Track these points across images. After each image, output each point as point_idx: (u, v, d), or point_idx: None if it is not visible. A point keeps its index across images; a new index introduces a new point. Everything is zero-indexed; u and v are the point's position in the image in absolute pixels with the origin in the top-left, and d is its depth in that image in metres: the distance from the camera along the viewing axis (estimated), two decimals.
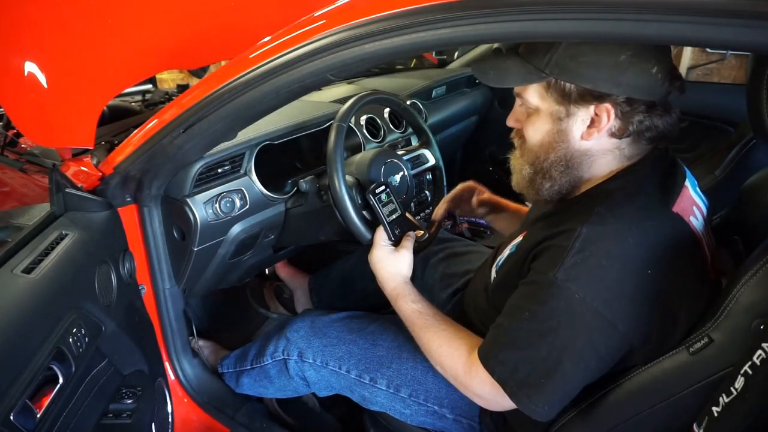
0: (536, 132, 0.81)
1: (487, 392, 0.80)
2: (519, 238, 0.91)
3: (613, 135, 0.77)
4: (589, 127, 0.77)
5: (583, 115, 0.76)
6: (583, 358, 0.73)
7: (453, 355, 0.86)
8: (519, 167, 0.88)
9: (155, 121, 0.96)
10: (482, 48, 2.22)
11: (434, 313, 0.93)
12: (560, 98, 0.76)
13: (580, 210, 0.77)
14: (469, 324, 0.93)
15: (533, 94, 0.79)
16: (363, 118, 1.51)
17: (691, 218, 0.78)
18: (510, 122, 0.87)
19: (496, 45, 0.87)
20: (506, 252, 0.94)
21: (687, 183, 0.82)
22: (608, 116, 0.75)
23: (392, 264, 0.99)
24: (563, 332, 0.72)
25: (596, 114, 0.76)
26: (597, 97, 0.74)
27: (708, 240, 0.81)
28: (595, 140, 0.78)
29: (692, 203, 0.80)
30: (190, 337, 1.35)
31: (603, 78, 0.72)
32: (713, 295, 0.74)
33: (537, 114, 0.80)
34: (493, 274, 0.96)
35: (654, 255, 0.71)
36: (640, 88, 0.73)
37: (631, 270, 0.71)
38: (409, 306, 0.94)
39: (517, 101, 0.84)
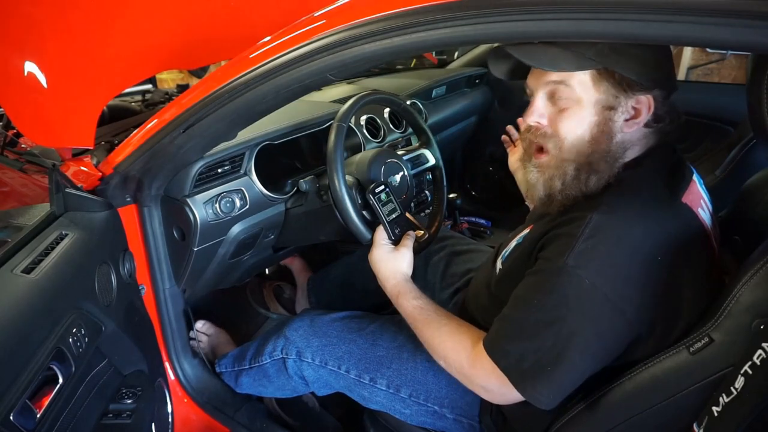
0: (579, 125, 0.77)
1: (493, 383, 0.80)
2: (526, 231, 0.91)
3: (647, 125, 0.78)
4: (628, 119, 0.77)
5: (626, 106, 0.77)
6: (590, 347, 0.73)
7: (457, 348, 0.86)
8: (552, 172, 0.80)
9: (155, 121, 0.96)
10: (482, 48, 2.23)
11: (436, 308, 0.93)
12: (612, 87, 0.75)
13: (589, 199, 0.78)
14: (471, 321, 0.93)
15: (580, 83, 0.76)
16: (363, 118, 1.51)
17: (700, 210, 0.78)
18: (533, 118, 0.81)
19: (495, 45, 0.86)
20: (513, 243, 0.94)
21: (695, 178, 0.82)
22: (649, 108, 0.76)
23: (392, 262, 0.99)
24: (571, 320, 0.72)
25: (635, 107, 0.77)
26: (644, 89, 0.75)
27: (715, 234, 0.82)
28: (633, 131, 0.78)
29: (700, 197, 0.81)
30: (198, 322, 1.35)
31: (646, 72, 0.74)
32: (716, 290, 0.75)
33: (578, 105, 0.77)
34: (498, 266, 0.96)
35: (663, 243, 0.72)
36: (668, 83, 0.78)
37: (641, 257, 0.71)
38: (410, 303, 0.94)
39: (541, 95, 0.80)
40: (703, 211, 0.79)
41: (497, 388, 0.80)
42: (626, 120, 0.77)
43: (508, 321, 0.79)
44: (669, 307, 0.73)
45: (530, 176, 0.84)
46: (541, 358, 0.74)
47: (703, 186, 0.85)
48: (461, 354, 0.85)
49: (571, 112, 0.77)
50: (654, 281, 0.71)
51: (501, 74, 0.83)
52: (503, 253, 0.97)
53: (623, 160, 0.79)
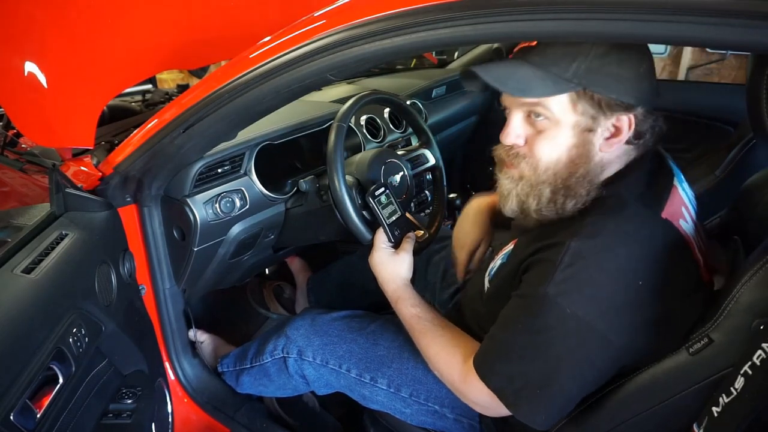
0: (556, 147, 0.75)
1: (484, 400, 0.80)
2: (510, 246, 0.90)
3: (628, 142, 0.76)
4: (608, 138, 0.75)
5: (607, 126, 0.74)
6: (579, 371, 0.73)
7: (450, 362, 0.86)
8: (526, 191, 0.79)
9: (155, 121, 0.96)
10: (482, 48, 2.23)
11: (432, 317, 0.93)
12: (590, 108, 0.72)
13: (571, 220, 0.76)
14: (468, 327, 0.93)
15: (557, 106, 0.73)
16: (363, 118, 1.51)
17: (681, 221, 0.76)
18: (510, 139, 0.78)
19: (495, 45, 0.86)
20: (498, 261, 0.93)
21: (675, 182, 0.80)
22: (629, 126, 0.74)
23: (392, 267, 0.99)
24: (557, 346, 0.72)
25: (616, 125, 0.74)
26: (624, 107, 0.73)
27: (698, 241, 0.79)
28: (613, 150, 0.76)
29: (681, 204, 0.79)
30: (190, 330, 1.34)
31: (626, 90, 0.71)
32: (707, 297, 0.74)
33: (556, 127, 0.74)
34: (486, 283, 0.96)
35: (644, 266, 0.71)
36: (650, 97, 0.74)
37: (622, 282, 0.70)
38: (409, 310, 0.94)
39: (518, 115, 0.77)
40: (685, 221, 0.77)
41: (488, 404, 0.80)
42: (606, 139, 0.75)
43: (496, 341, 0.79)
44: (656, 327, 0.72)
45: (503, 187, 0.83)
46: (529, 381, 0.74)
47: (684, 185, 0.82)
48: (453, 368, 0.85)
49: (549, 134, 0.75)
50: (637, 305, 0.71)
51: (475, 88, 0.80)
52: (490, 269, 0.96)
53: (601, 179, 0.78)
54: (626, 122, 0.74)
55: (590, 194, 0.76)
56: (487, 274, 0.97)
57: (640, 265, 0.70)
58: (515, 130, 0.78)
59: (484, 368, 0.79)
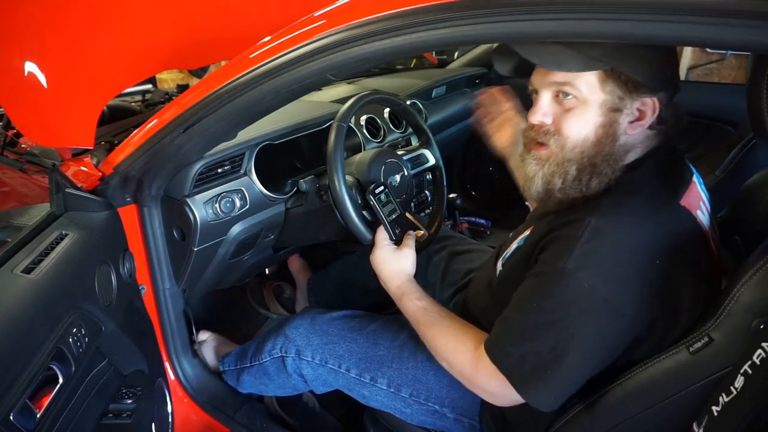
0: (584, 125, 0.76)
1: (494, 386, 0.80)
2: (526, 232, 0.91)
3: (650, 127, 0.78)
4: (632, 121, 0.77)
5: (632, 108, 0.76)
6: (590, 348, 0.73)
7: (459, 350, 0.86)
8: (552, 170, 0.79)
9: (155, 121, 0.96)
10: (482, 48, 2.22)
11: (439, 309, 0.93)
12: (618, 88, 0.74)
13: (589, 201, 0.78)
14: (473, 321, 0.93)
15: (586, 84, 0.75)
16: (363, 118, 1.51)
17: (698, 212, 0.78)
18: (537, 118, 0.80)
19: (496, 45, 0.86)
20: (513, 245, 0.94)
21: (695, 179, 0.82)
22: (654, 110, 0.76)
23: (395, 263, 0.99)
24: (571, 322, 0.73)
25: (640, 109, 0.76)
26: (650, 91, 0.75)
27: (714, 235, 0.81)
28: (637, 133, 0.78)
29: (699, 199, 0.81)
30: (192, 336, 1.35)
31: (652, 73, 0.73)
32: (715, 291, 0.75)
33: (584, 106, 0.76)
34: (499, 267, 0.96)
35: (661, 245, 0.72)
36: (673, 83, 0.77)
37: (640, 259, 0.71)
38: (414, 303, 0.94)
39: (546, 94, 0.79)
40: (702, 213, 0.79)
41: (499, 390, 0.80)
42: (630, 122, 0.77)
43: (509, 323, 0.79)
44: (668, 309, 0.73)
45: (529, 168, 0.83)
46: (541, 360, 0.74)
47: (704, 187, 0.85)
48: (464, 356, 0.85)
49: (577, 112, 0.76)
50: (652, 283, 0.72)
51: (505, 71, 0.83)
52: (504, 254, 0.97)
53: (624, 162, 0.79)
54: (651, 106, 0.76)
55: (615, 173, 0.78)
56: (500, 259, 0.97)
57: (657, 245, 0.72)
58: (543, 109, 0.80)
59: (495, 350, 0.79)
